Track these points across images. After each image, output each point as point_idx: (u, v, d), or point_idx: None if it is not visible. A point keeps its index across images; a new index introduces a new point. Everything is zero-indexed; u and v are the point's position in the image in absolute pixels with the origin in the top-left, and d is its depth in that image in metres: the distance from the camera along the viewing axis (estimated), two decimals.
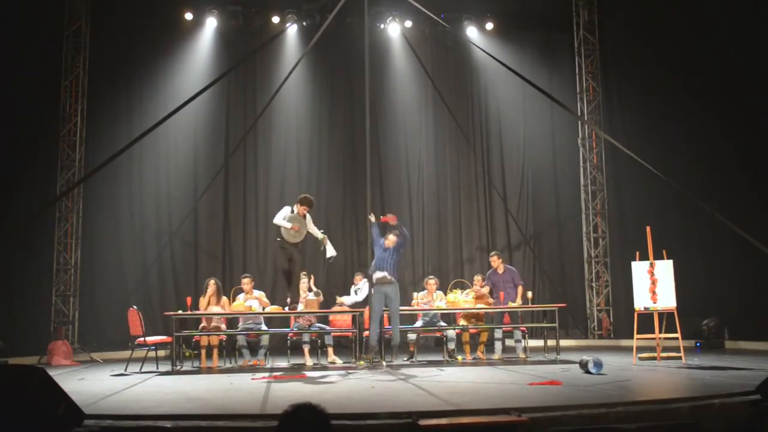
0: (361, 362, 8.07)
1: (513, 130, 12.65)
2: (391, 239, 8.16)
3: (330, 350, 8.75)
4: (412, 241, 12.06)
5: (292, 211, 8.35)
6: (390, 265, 8.08)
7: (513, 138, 12.65)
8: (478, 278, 9.54)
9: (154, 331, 9.86)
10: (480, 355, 8.96)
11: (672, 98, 11.35)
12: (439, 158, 12.42)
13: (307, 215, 8.42)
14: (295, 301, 8.67)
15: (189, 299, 8.85)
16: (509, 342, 9.38)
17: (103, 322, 10.70)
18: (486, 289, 9.23)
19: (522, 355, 8.97)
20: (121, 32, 11.35)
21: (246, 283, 8.90)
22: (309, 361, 8.60)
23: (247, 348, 8.68)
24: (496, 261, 9.31)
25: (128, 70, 11.48)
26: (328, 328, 8.97)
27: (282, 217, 8.28)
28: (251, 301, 8.81)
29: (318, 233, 8.47)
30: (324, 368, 8.12)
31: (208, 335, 8.57)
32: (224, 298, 8.74)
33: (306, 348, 8.66)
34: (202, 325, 8.65)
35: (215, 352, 8.59)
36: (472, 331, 9.01)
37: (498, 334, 9.06)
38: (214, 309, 8.57)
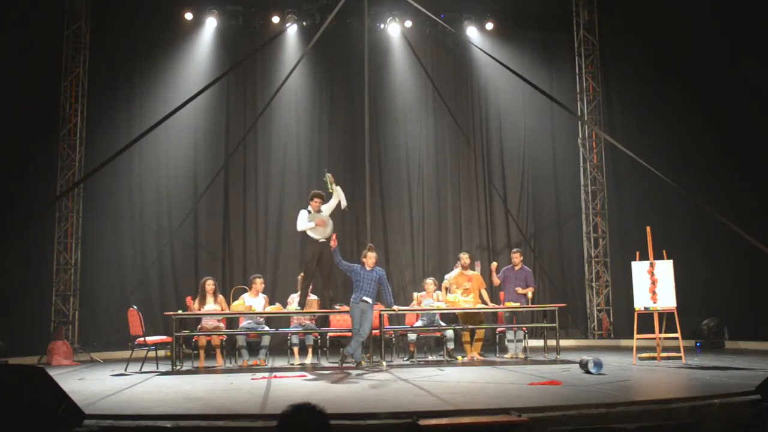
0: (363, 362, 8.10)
1: (513, 130, 12.65)
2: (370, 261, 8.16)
3: (295, 350, 8.84)
4: (412, 241, 12.12)
5: (309, 212, 8.54)
6: (369, 288, 8.08)
7: (513, 138, 12.65)
8: (463, 255, 9.42)
9: (154, 331, 9.85)
10: (477, 355, 8.94)
11: (672, 98, 11.35)
12: (439, 158, 12.42)
13: (324, 204, 8.63)
14: (332, 298, 8.80)
15: (189, 299, 8.88)
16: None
17: (103, 322, 10.69)
18: (471, 286, 9.17)
19: (521, 355, 8.98)
20: (121, 32, 11.34)
21: (259, 283, 8.92)
22: (298, 359, 8.74)
23: (247, 348, 8.68)
24: (517, 258, 9.36)
25: (128, 70, 11.48)
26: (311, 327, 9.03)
27: (302, 222, 8.55)
28: (254, 300, 8.80)
29: (336, 192, 8.68)
30: (323, 368, 8.13)
31: (208, 335, 8.59)
32: (221, 297, 8.75)
33: (296, 349, 8.80)
34: (200, 325, 8.65)
35: (218, 352, 8.63)
36: (471, 328, 8.99)
37: (509, 335, 9.07)
38: (211, 307, 8.58)
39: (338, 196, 8.73)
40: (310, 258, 8.61)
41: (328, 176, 8.75)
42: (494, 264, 9.52)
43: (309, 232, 8.55)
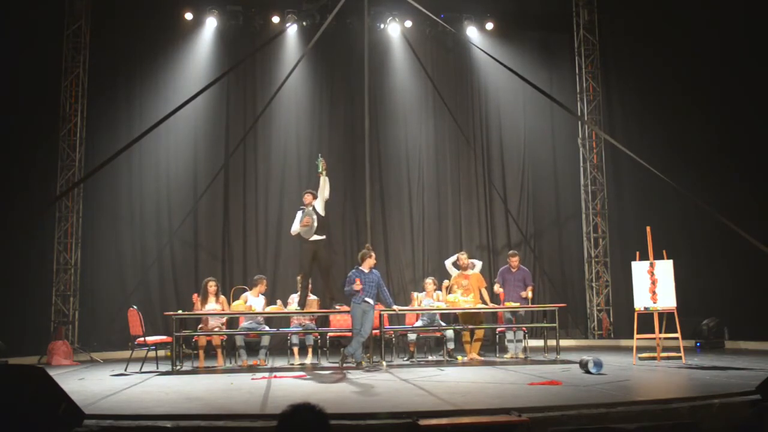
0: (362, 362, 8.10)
1: (513, 130, 12.65)
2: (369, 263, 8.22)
3: (295, 350, 8.87)
4: (412, 241, 12.12)
5: (303, 210, 8.64)
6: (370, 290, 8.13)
7: (513, 138, 12.65)
8: (461, 256, 9.41)
9: (154, 331, 9.86)
10: (476, 356, 8.94)
11: (672, 98, 11.35)
12: (439, 158, 12.42)
13: (316, 200, 8.67)
14: (332, 298, 8.80)
15: (196, 295, 8.89)
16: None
17: (103, 322, 10.70)
18: (469, 285, 9.16)
19: (521, 355, 8.98)
20: (121, 32, 11.34)
21: (265, 284, 8.95)
22: (298, 360, 8.77)
23: (245, 348, 8.67)
24: (515, 261, 9.34)
25: (128, 70, 11.48)
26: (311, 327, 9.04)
27: (293, 225, 8.70)
28: (254, 300, 8.80)
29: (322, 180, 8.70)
30: (323, 368, 8.13)
31: (209, 335, 8.59)
32: (222, 298, 8.75)
33: (296, 349, 8.83)
34: (200, 325, 8.66)
35: (219, 351, 8.63)
36: (471, 328, 8.98)
37: (509, 335, 9.07)
38: (212, 307, 8.58)
39: (323, 185, 8.72)
40: (304, 258, 8.69)
41: (321, 160, 8.76)
42: (496, 287, 9.46)
43: (301, 233, 8.64)
